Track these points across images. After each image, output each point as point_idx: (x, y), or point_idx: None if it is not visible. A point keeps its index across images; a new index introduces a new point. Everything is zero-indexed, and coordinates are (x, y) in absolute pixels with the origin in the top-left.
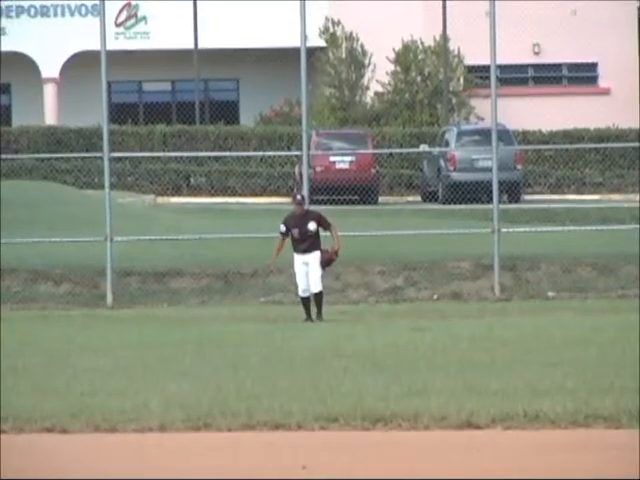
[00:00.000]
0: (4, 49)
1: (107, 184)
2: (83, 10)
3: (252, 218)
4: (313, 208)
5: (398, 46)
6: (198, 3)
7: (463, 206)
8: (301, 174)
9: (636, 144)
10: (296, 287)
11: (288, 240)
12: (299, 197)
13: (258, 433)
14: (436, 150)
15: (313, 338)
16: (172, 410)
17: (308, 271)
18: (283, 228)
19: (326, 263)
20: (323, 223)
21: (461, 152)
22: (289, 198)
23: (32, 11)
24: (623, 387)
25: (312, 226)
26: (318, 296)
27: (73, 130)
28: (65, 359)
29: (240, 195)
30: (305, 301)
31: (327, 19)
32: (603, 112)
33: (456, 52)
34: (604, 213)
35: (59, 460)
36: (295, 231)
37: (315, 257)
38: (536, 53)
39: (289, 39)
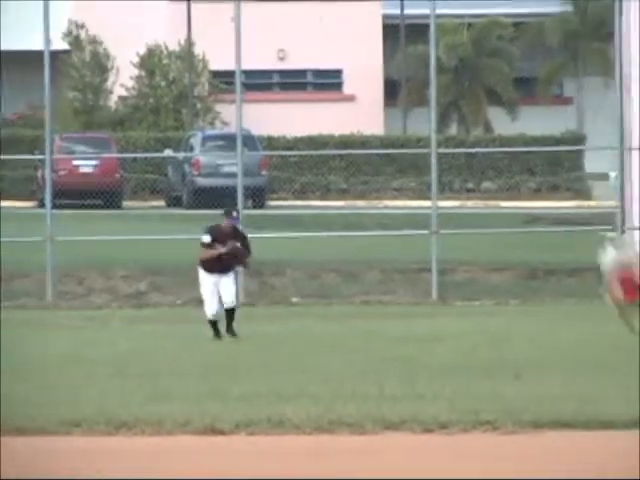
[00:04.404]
0: None
1: None
2: None
3: None
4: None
5: (142, 50)
6: None
7: (208, 211)
8: (44, 178)
9: (380, 151)
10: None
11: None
12: (235, 213)
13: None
14: (181, 155)
15: (56, 344)
16: None
17: (220, 289)
18: (208, 239)
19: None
20: (246, 246)
21: (206, 157)
22: (32, 202)
23: None
24: (366, 393)
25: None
26: (232, 311)
27: None
28: None
29: None
30: (214, 324)
31: (70, 22)
32: (348, 118)
33: (201, 57)
34: (348, 219)
35: None
36: (218, 247)
37: (229, 278)
38: (281, 59)
39: (32, 42)
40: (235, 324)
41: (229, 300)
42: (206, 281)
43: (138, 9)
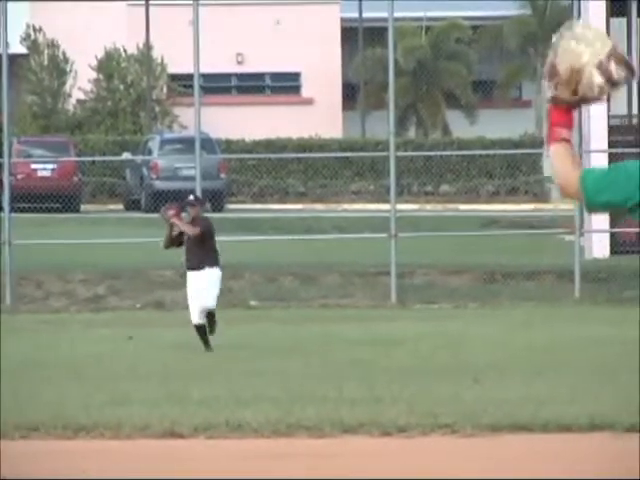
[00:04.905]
0: None
1: None
2: None
3: None
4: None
5: (101, 53)
6: None
7: None
8: (2, 181)
9: (338, 154)
10: None
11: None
12: (192, 197)
13: None
14: (139, 158)
15: (15, 347)
16: None
17: (202, 289)
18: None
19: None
20: (209, 234)
21: (164, 160)
22: None
23: None
24: (325, 397)
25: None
26: (211, 314)
27: None
28: None
29: None
30: (201, 330)
31: (28, 25)
32: (306, 122)
33: (159, 60)
34: (307, 223)
35: None
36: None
37: (211, 275)
38: (239, 62)
39: None
40: (190, 327)
41: (208, 300)
42: (189, 281)
43: (96, 12)
